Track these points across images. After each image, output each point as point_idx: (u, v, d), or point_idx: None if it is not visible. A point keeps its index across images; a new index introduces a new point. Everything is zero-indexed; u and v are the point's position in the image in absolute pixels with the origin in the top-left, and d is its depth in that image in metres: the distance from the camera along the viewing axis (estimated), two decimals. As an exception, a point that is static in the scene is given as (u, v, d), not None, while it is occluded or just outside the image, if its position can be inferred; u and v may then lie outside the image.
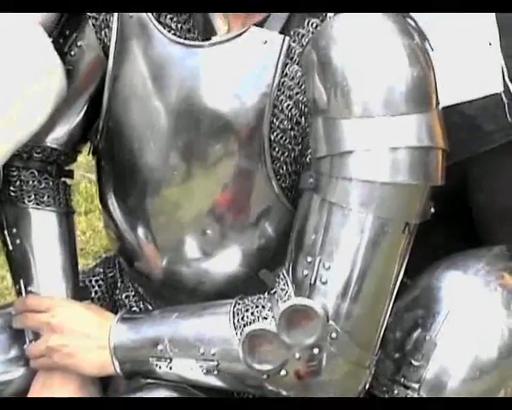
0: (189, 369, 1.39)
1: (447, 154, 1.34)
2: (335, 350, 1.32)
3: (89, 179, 2.90)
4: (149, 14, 1.41)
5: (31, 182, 1.55)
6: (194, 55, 1.39)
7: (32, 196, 1.54)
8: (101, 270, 1.65)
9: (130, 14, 1.42)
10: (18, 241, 1.52)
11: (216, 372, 1.37)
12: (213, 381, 1.39)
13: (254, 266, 1.44)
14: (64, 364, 1.44)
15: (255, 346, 1.34)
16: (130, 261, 1.55)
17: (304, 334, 1.32)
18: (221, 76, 1.38)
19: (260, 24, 1.36)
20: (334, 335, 1.31)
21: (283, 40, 1.34)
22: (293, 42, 1.35)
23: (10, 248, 1.53)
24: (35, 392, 1.47)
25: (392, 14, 1.32)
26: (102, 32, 1.48)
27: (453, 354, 1.43)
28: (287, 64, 1.35)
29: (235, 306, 1.37)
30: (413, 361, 1.44)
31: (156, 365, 1.40)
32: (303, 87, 1.35)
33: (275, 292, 1.35)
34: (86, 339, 1.43)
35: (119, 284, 1.63)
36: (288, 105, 1.36)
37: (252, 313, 1.35)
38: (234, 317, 1.36)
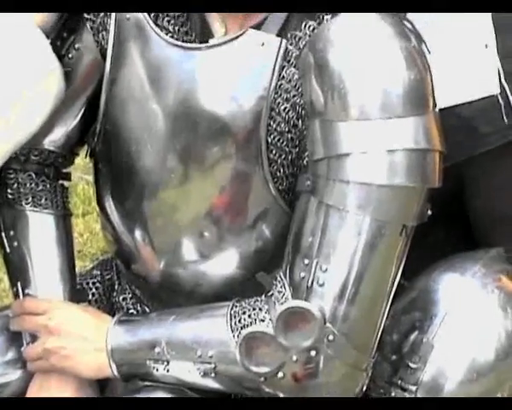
0: (187, 371, 1.39)
1: (444, 156, 1.34)
2: (332, 352, 1.32)
3: (86, 181, 2.90)
4: (146, 16, 1.41)
5: (28, 184, 1.55)
6: (191, 58, 1.39)
7: (30, 199, 1.54)
8: (99, 272, 1.65)
9: (128, 16, 1.42)
10: (15, 243, 1.52)
11: (213, 375, 1.38)
12: (211, 383, 1.39)
13: (251, 268, 1.44)
14: (61, 366, 1.44)
15: (252, 348, 1.34)
16: (128, 264, 1.55)
17: (301, 336, 1.32)
18: (218, 79, 1.38)
19: (257, 27, 1.37)
20: (331, 337, 1.31)
21: (280, 43, 1.34)
22: (291, 44, 1.35)
23: (8, 250, 1.53)
24: (32, 394, 1.47)
25: (389, 17, 1.32)
26: (100, 35, 1.48)
27: (450, 356, 1.43)
28: (284, 67, 1.35)
29: (232, 308, 1.37)
30: (410, 364, 1.44)
31: (153, 367, 1.41)
32: (300, 90, 1.35)
33: (272, 294, 1.36)
34: (83, 342, 1.43)
35: (116, 287, 1.63)
36: (285, 108, 1.36)
37: (249, 316, 1.35)
38: (231, 319, 1.36)
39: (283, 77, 1.36)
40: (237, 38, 1.36)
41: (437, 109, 1.34)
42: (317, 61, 1.31)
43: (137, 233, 1.50)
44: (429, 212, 1.36)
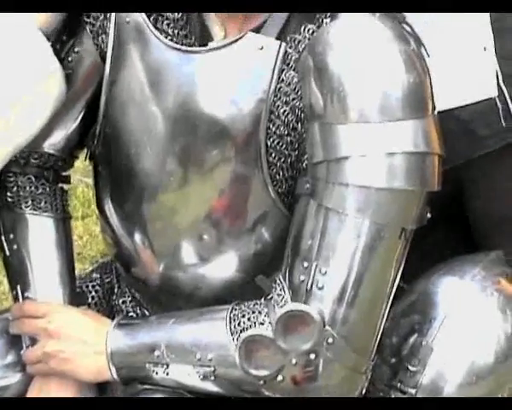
0: (186, 375, 1.39)
1: (443, 159, 1.34)
2: (332, 356, 1.32)
3: (86, 184, 2.90)
4: (146, 19, 1.41)
5: (28, 188, 1.55)
6: (190, 61, 1.40)
7: (29, 202, 1.54)
8: (98, 275, 1.65)
9: (127, 19, 1.43)
10: (15, 246, 1.52)
11: (213, 378, 1.38)
12: (210, 386, 1.39)
13: (251, 271, 1.44)
14: (61, 370, 1.44)
15: (252, 351, 1.34)
16: (127, 267, 1.55)
17: (300, 339, 1.32)
18: (218, 82, 1.38)
19: (257, 30, 1.37)
20: (330, 340, 1.31)
21: (280, 46, 1.35)
22: (290, 48, 1.36)
23: (7, 253, 1.53)
24: (32, 398, 1.48)
25: (389, 20, 1.32)
26: (99, 38, 1.48)
27: (450, 359, 1.43)
28: (283, 70, 1.36)
29: (231, 311, 1.37)
30: (409, 367, 1.44)
31: (153, 370, 1.41)
32: (299, 93, 1.35)
33: (271, 298, 1.36)
34: (83, 345, 1.43)
35: (115, 290, 1.63)
36: (285, 111, 1.36)
37: (248, 319, 1.35)
38: (230, 322, 1.36)
39: (283, 80, 1.36)
40: (236, 41, 1.36)
41: (436, 112, 1.34)
42: (316, 64, 1.31)
43: (137, 236, 1.50)
44: (428, 215, 1.36)
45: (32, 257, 1.51)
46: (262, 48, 1.35)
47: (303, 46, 1.35)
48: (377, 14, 1.32)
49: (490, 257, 1.53)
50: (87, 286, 1.63)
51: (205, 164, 1.41)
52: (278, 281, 1.36)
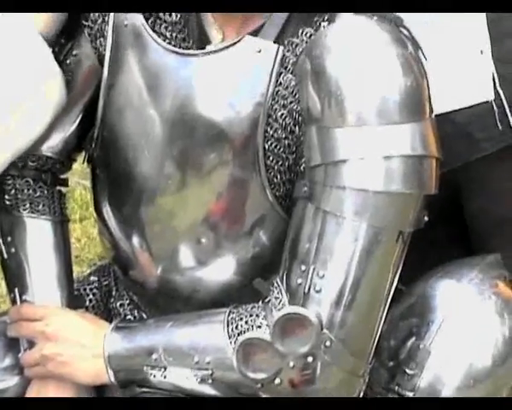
0: (184, 378, 1.39)
1: (440, 162, 1.34)
2: (329, 359, 1.32)
3: (84, 186, 2.90)
4: (144, 23, 1.42)
5: (26, 190, 1.55)
6: (188, 64, 1.40)
7: (27, 205, 1.54)
8: (96, 278, 1.65)
9: (125, 22, 1.43)
10: (13, 249, 1.52)
11: (210, 381, 1.38)
12: (208, 390, 1.39)
13: (249, 274, 1.44)
14: (58, 372, 1.44)
15: (249, 355, 1.34)
16: (125, 270, 1.55)
17: (298, 342, 1.32)
18: (215, 85, 1.38)
19: (255, 33, 1.37)
20: (328, 343, 1.31)
21: (277, 49, 1.35)
22: (288, 51, 1.36)
23: (5, 256, 1.53)
24: (29, 401, 1.48)
25: (386, 24, 1.32)
26: (97, 41, 1.49)
27: (447, 362, 1.44)
28: (281, 73, 1.36)
29: (229, 315, 1.37)
30: (407, 370, 1.44)
31: (151, 374, 1.40)
32: (297, 96, 1.35)
33: (269, 301, 1.36)
34: (81, 348, 1.43)
35: (113, 293, 1.63)
36: (282, 114, 1.36)
37: (246, 322, 1.35)
38: (228, 326, 1.36)
39: (280, 83, 1.36)
40: (234, 44, 1.36)
41: (433, 115, 1.34)
42: (313, 67, 1.32)
43: (135, 239, 1.50)
44: (426, 218, 1.36)
45: (29, 260, 1.51)
46: (260, 51, 1.35)
47: (301, 49, 1.35)
48: (374, 18, 1.32)
49: (487, 260, 1.53)
50: (85, 289, 1.63)
51: (203, 167, 1.41)
52: (276, 284, 1.36)
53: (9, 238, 1.53)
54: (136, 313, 1.59)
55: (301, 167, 1.37)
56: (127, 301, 1.60)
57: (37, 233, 1.53)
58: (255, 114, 1.36)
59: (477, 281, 1.48)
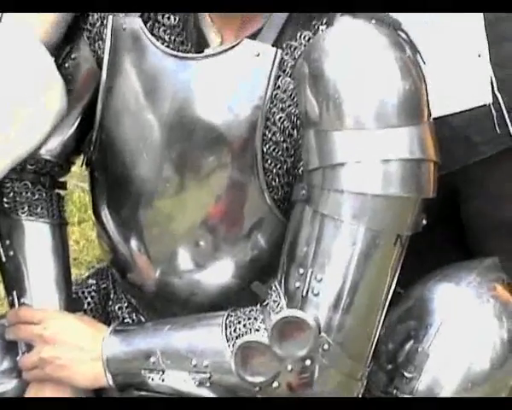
0: (182, 381, 1.39)
1: (438, 166, 1.34)
2: (327, 362, 1.32)
3: (82, 189, 2.90)
4: (143, 26, 1.42)
5: (24, 193, 1.55)
6: (187, 68, 1.40)
7: (26, 208, 1.54)
8: (94, 281, 1.65)
9: (124, 26, 1.43)
10: (11, 252, 1.52)
11: (208, 384, 1.38)
12: (206, 393, 1.39)
13: (247, 277, 1.44)
14: (57, 376, 1.44)
15: (247, 358, 1.34)
16: (123, 273, 1.55)
17: (296, 346, 1.32)
18: (214, 88, 1.38)
19: (253, 37, 1.37)
20: (326, 347, 1.31)
21: (276, 53, 1.35)
22: (286, 54, 1.36)
23: (3, 259, 1.53)
24: (28, 404, 1.47)
25: (384, 27, 1.33)
26: (96, 44, 1.49)
27: (445, 365, 1.44)
28: (279, 76, 1.36)
29: (227, 318, 1.37)
30: (405, 373, 1.44)
31: (149, 377, 1.40)
32: (295, 99, 1.35)
33: (267, 304, 1.36)
34: (79, 351, 1.42)
35: (111, 296, 1.63)
36: (281, 117, 1.36)
37: (244, 325, 1.35)
38: (226, 329, 1.36)
39: (279, 87, 1.36)
40: (233, 47, 1.36)
41: (431, 119, 1.34)
42: (312, 70, 1.32)
43: (133, 242, 1.50)
44: (424, 221, 1.36)
45: (28, 263, 1.51)
46: (258, 54, 1.35)
47: (299, 53, 1.35)
48: (373, 21, 1.32)
49: (485, 263, 1.53)
50: (83, 292, 1.63)
51: (201, 170, 1.41)
52: (274, 287, 1.36)
53: (8, 241, 1.53)
54: (134, 316, 1.59)
55: (299, 171, 1.37)
56: (125, 304, 1.60)
57: (36, 236, 1.53)
58: (253, 118, 1.36)
59: (475, 284, 1.48)
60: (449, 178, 1.51)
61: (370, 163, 1.29)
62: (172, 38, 1.43)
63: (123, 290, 1.61)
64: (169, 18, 1.44)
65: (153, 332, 1.43)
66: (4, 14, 1.42)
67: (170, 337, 1.41)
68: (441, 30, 1.58)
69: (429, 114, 1.34)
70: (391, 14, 1.36)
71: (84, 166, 1.57)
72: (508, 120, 1.59)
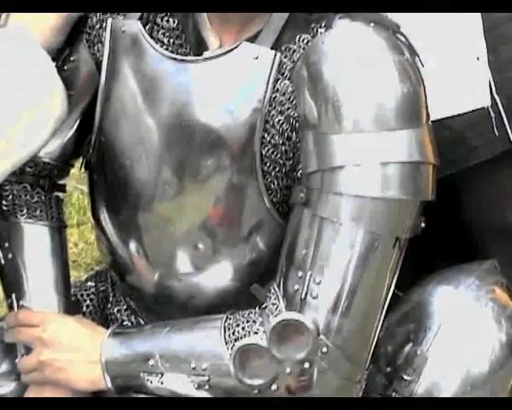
0: (181, 384, 1.39)
1: (437, 168, 1.35)
2: (326, 365, 1.32)
3: (81, 191, 2.90)
4: (141, 28, 1.42)
5: (23, 196, 1.55)
6: (185, 71, 1.40)
7: (25, 211, 1.54)
8: (93, 284, 1.65)
9: (123, 28, 1.43)
10: (10, 255, 1.52)
11: (207, 387, 1.38)
12: (204, 395, 1.39)
13: (245, 280, 1.44)
14: (56, 378, 1.44)
15: (246, 361, 1.34)
16: (122, 275, 1.55)
17: (294, 349, 1.32)
18: (213, 91, 1.38)
19: (252, 39, 1.37)
20: (324, 349, 1.32)
21: (275, 56, 1.35)
22: (285, 57, 1.36)
23: (2, 262, 1.53)
24: (26, 406, 1.47)
25: (383, 30, 1.33)
26: (95, 47, 1.49)
27: (444, 368, 1.44)
28: (278, 79, 1.36)
29: (226, 320, 1.37)
30: (404, 376, 1.44)
31: (147, 379, 1.40)
32: (294, 102, 1.35)
33: (266, 307, 1.36)
34: (78, 354, 1.42)
35: (110, 298, 1.63)
36: (280, 120, 1.36)
37: (243, 328, 1.35)
38: (225, 332, 1.36)
39: (277, 89, 1.36)
40: (232, 50, 1.36)
41: (430, 122, 1.34)
42: (310, 73, 1.32)
43: (132, 245, 1.50)
44: (423, 224, 1.36)
45: (27, 266, 1.51)
46: (257, 57, 1.35)
47: (298, 56, 1.35)
48: (371, 25, 1.32)
49: (484, 266, 1.53)
50: (82, 295, 1.63)
51: (200, 173, 1.41)
52: (273, 290, 1.36)
53: (7, 244, 1.53)
54: (133, 319, 1.59)
55: (298, 173, 1.37)
56: (124, 307, 1.60)
57: (35, 239, 1.53)
58: (252, 120, 1.36)
59: (474, 287, 1.48)
60: (448, 181, 1.51)
61: (369, 166, 1.29)
62: (171, 40, 1.43)
63: (122, 293, 1.61)
64: (168, 21, 1.44)
65: (151, 335, 1.43)
66: (7, 18, 1.42)
67: (169, 340, 1.41)
68: (440, 33, 1.58)
69: (428, 117, 1.34)
70: (390, 15, 1.36)
71: (83, 169, 1.57)
72: (506, 123, 1.60)
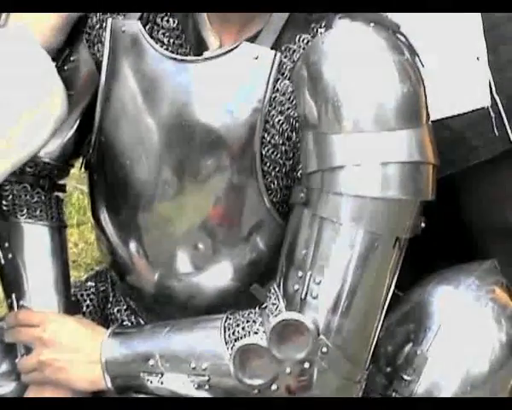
0: (181, 384, 1.39)
1: (437, 168, 1.35)
2: (326, 365, 1.32)
3: (81, 191, 2.90)
4: (141, 28, 1.42)
5: (23, 196, 1.55)
6: (185, 71, 1.40)
7: (25, 211, 1.54)
8: (93, 284, 1.65)
9: (123, 28, 1.43)
10: (10, 255, 1.52)
11: (207, 387, 1.38)
12: (204, 395, 1.39)
13: (245, 280, 1.44)
14: (56, 378, 1.44)
15: (246, 361, 1.34)
16: (122, 275, 1.55)
17: (294, 349, 1.32)
18: (213, 91, 1.38)
19: (252, 40, 1.37)
20: (324, 349, 1.32)
21: (275, 56, 1.35)
22: (285, 57, 1.36)
23: (2, 262, 1.53)
24: (26, 406, 1.47)
25: (383, 31, 1.33)
26: (95, 47, 1.49)
27: (444, 368, 1.44)
28: (278, 79, 1.36)
29: (226, 320, 1.37)
30: (404, 376, 1.44)
31: (147, 380, 1.40)
32: (294, 102, 1.35)
33: (266, 307, 1.36)
34: (78, 354, 1.43)
35: (110, 298, 1.63)
36: (280, 120, 1.37)
37: (243, 328, 1.35)
38: (225, 332, 1.36)
39: (277, 89, 1.36)
40: (232, 50, 1.36)
41: (430, 122, 1.34)
42: (310, 73, 1.32)
43: (132, 245, 1.50)
44: (423, 224, 1.36)
45: (27, 266, 1.51)
46: (257, 57, 1.35)
47: (298, 56, 1.35)
48: (371, 25, 1.32)
49: (484, 266, 1.53)
50: (82, 295, 1.63)
51: (200, 173, 1.41)
52: (273, 290, 1.36)
53: (7, 244, 1.53)
54: (133, 319, 1.59)
55: (298, 173, 1.37)
56: (124, 307, 1.60)
57: (35, 239, 1.53)
58: (252, 120, 1.36)
59: (474, 287, 1.48)
60: (448, 181, 1.51)
61: (369, 166, 1.30)
62: (171, 40, 1.43)
63: (122, 293, 1.61)
64: (168, 21, 1.44)
65: (151, 335, 1.43)
66: (7, 18, 1.42)
67: (169, 340, 1.41)
68: (440, 33, 1.58)
69: (428, 117, 1.34)
70: (390, 15, 1.36)
71: (83, 169, 1.57)
72: (506, 123, 1.60)
